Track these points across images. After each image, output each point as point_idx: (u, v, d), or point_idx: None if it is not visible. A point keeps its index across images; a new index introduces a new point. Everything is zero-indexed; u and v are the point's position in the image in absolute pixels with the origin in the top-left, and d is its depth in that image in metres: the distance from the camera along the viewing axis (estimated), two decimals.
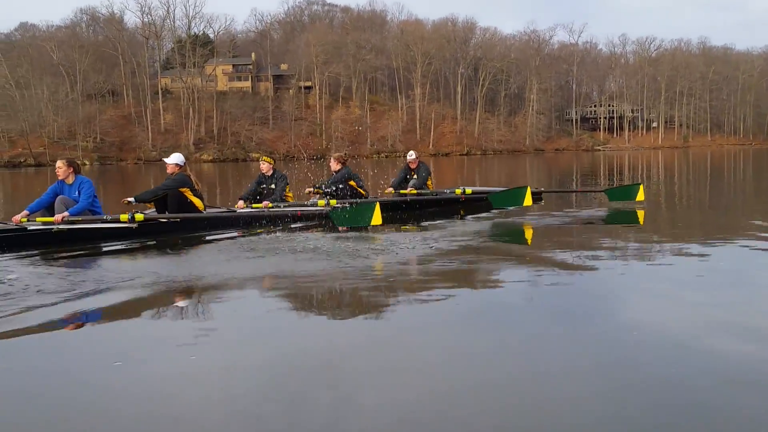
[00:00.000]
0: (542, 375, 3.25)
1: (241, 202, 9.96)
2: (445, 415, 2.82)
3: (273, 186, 10.10)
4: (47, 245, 7.56)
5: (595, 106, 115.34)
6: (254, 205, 9.76)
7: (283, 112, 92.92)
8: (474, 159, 68.34)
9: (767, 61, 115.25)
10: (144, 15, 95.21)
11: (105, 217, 8.08)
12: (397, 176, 12.23)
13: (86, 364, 3.64)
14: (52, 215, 7.92)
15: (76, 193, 8.21)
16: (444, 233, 8.36)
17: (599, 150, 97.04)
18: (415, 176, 11.94)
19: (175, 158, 9.22)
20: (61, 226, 7.77)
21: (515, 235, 8.90)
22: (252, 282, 5.66)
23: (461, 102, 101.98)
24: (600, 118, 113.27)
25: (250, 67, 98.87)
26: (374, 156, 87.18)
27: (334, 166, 10.62)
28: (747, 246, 7.13)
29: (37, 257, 7.03)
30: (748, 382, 3.13)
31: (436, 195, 11.70)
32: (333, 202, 9.59)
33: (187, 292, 5.42)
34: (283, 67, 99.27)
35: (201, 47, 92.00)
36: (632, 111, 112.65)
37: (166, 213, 8.72)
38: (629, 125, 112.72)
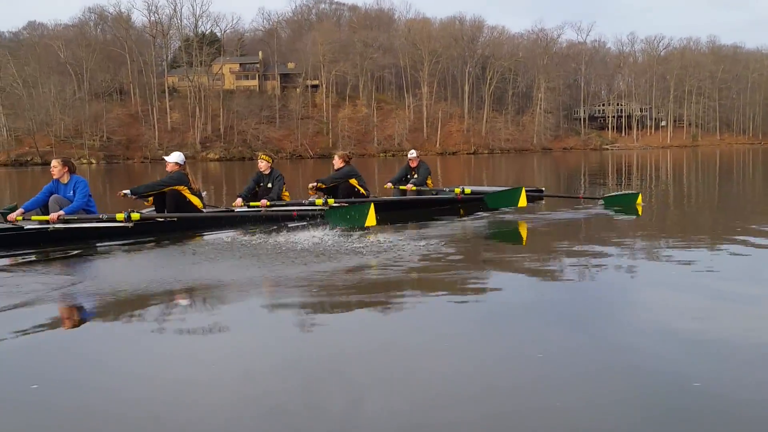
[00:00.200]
0: (553, 381, 3.16)
1: (239, 200, 9.95)
2: (455, 420, 2.76)
3: (270, 185, 10.11)
4: (43, 244, 7.54)
5: (603, 104, 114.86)
6: (252, 204, 9.78)
7: (289, 111, 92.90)
8: (481, 158, 68.19)
9: None
10: (151, 14, 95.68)
11: (101, 216, 8.02)
12: (397, 173, 12.31)
13: (86, 364, 3.58)
14: (47, 214, 7.88)
15: (71, 192, 8.20)
16: (444, 234, 8.31)
17: (607, 149, 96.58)
18: (415, 175, 12.00)
19: (174, 157, 9.28)
20: (57, 225, 7.70)
21: (517, 235, 8.81)
22: (251, 284, 5.53)
23: (468, 101, 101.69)
24: (608, 117, 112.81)
25: (258, 65, 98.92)
26: (381, 155, 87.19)
27: (338, 163, 10.70)
28: (759, 246, 6.97)
29: (32, 256, 7.02)
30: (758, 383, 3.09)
31: (436, 194, 11.75)
32: (331, 201, 9.65)
33: (187, 295, 5.29)
34: (290, 65, 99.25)
35: (208, 46, 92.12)
36: (641, 110, 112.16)
37: (165, 212, 8.72)
38: (638, 124, 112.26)
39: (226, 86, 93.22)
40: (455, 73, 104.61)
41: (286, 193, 10.30)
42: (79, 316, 4.70)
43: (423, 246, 7.12)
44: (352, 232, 8.02)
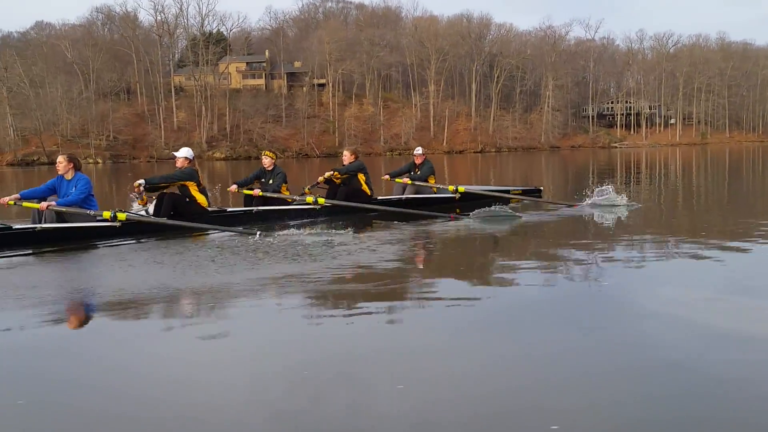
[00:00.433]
0: (564, 381, 3.14)
1: (234, 186, 10.27)
2: (463, 422, 2.73)
3: (271, 181, 10.35)
4: (30, 245, 7.60)
5: (612, 102, 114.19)
6: (245, 191, 10.12)
7: (296, 110, 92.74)
8: (488, 156, 68.41)
9: None
10: (157, 13, 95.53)
11: (89, 212, 8.01)
12: (399, 168, 12.31)
13: (85, 365, 3.56)
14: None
15: (73, 189, 8.27)
16: (444, 234, 8.42)
17: (616, 147, 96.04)
18: (418, 171, 11.93)
19: (184, 152, 9.45)
20: (45, 225, 7.76)
21: (518, 235, 8.75)
22: (251, 285, 5.44)
23: (476, 99, 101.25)
24: (617, 114, 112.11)
25: (264, 64, 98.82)
26: (387, 153, 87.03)
27: (349, 158, 10.96)
28: None
29: (20, 257, 7.10)
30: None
31: (437, 193, 11.74)
32: (321, 200, 9.92)
33: (185, 296, 5.22)
34: (297, 64, 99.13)
35: (214, 45, 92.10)
36: (650, 107, 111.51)
37: (161, 211, 8.79)
38: (646, 122, 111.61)
39: (232, 85, 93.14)
40: (462, 71, 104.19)
41: (287, 192, 10.41)
42: (79, 318, 4.66)
43: (423, 246, 7.18)
44: (348, 233, 8.02)
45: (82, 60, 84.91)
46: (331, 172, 10.76)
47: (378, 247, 7.07)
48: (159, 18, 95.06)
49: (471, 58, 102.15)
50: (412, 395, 3.00)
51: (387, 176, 11.97)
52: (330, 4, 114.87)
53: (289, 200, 10.03)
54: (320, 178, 10.95)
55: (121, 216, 7.98)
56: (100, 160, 74.80)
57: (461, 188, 11.51)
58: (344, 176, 10.76)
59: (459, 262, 6.49)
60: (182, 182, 9.12)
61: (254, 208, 9.68)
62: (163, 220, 8.49)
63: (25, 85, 78.16)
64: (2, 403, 3.04)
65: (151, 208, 8.89)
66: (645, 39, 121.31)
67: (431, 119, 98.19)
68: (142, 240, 8.07)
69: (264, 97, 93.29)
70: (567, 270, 5.91)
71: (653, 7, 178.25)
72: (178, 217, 8.70)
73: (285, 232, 8.12)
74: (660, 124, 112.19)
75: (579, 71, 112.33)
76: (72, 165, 8.34)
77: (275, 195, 10.00)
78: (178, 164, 9.31)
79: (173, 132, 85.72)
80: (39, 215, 7.96)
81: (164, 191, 9.09)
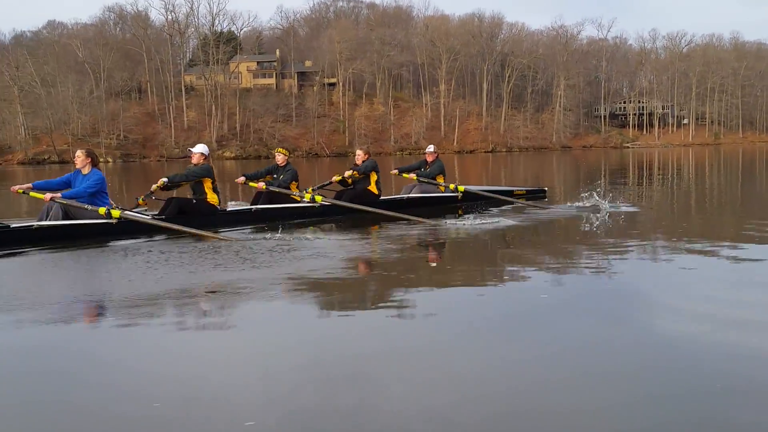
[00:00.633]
0: (572, 381, 3.12)
1: (242, 178, 10.42)
2: (474, 420, 2.72)
3: (281, 177, 10.40)
4: (28, 243, 7.56)
5: (624, 102, 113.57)
6: (251, 184, 10.23)
7: (306, 109, 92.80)
8: (499, 156, 68.29)
9: None
10: (168, 12, 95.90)
11: (86, 207, 8.01)
12: (410, 165, 12.38)
13: (85, 365, 3.52)
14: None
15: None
16: (445, 234, 8.43)
17: (628, 147, 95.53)
18: (428, 168, 11.92)
19: (200, 148, 9.51)
20: (42, 223, 7.77)
21: (519, 235, 8.66)
22: (260, 284, 5.38)
23: (487, 98, 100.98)
24: (629, 114, 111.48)
25: (275, 63, 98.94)
26: (397, 153, 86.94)
27: (362, 156, 11.06)
28: None
29: (16, 256, 7.06)
30: None
31: (442, 192, 11.69)
32: (318, 198, 9.97)
33: (194, 295, 5.15)
34: (308, 63, 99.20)
35: (225, 44, 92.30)
36: (662, 107, 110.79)
37: (167, 213, 8.73)
38: (659, 122, 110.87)
39: (243, 84, 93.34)
40: (473, 71, 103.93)
41: (296, 189, 10.40)
42: (89, 316, 4.59)
43: (428, 246, 7.15)
44: (353, 232, 7.97)
45: (94, 59, 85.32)
46: (351, 171, 10.74)
47: (382, 247, 7.06)
48: (170, 17, 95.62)
49: (482, 57, 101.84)
50: (421, 394, 2.98)
51: (395, 171, 12.03)
52: (341, 3, 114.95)
53: (296, 198, 10.02)
54: (336, 177, 10.93)
55: (115, 213, 7.99)
56: (110, 159, 75.08)
57: (461, 187, 11.55)
58: (362, 175, 10.81)
59: (462, 262, 6.45)
60: (200, 178, 9.10)
61: (253, 207, 9.72)
62: (157, 221, 8.39)
63: (36, 84, 78.63)
64: (2, 403, 3.00)
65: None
66: (658, 38, 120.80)
67: (442, 119, 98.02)
68: (141, 239, 7.97)
69: (274, 97, 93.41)
70: (575, 271, 5.84)
71: (666, 6, 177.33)
72: (183, 218, 8.61)
73: (285, 232, 8.04)
74: (673, 125, 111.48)
75: (591, 71, 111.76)
76: (90, 160, 8.39)
77: (278, 190, 10.00)
78: (194, 160, 9.28)
79: (183, 131, 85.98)
80: (47, 211, 7.94)
81: (172, 195, 9.11)
